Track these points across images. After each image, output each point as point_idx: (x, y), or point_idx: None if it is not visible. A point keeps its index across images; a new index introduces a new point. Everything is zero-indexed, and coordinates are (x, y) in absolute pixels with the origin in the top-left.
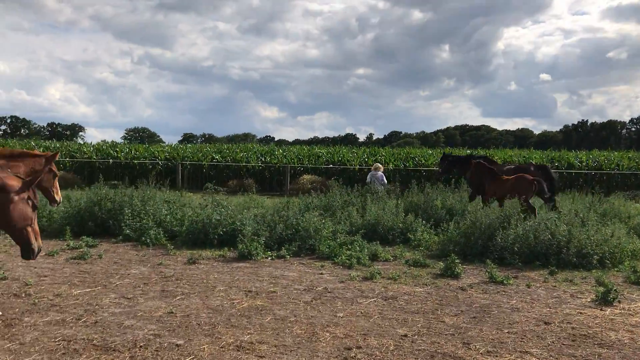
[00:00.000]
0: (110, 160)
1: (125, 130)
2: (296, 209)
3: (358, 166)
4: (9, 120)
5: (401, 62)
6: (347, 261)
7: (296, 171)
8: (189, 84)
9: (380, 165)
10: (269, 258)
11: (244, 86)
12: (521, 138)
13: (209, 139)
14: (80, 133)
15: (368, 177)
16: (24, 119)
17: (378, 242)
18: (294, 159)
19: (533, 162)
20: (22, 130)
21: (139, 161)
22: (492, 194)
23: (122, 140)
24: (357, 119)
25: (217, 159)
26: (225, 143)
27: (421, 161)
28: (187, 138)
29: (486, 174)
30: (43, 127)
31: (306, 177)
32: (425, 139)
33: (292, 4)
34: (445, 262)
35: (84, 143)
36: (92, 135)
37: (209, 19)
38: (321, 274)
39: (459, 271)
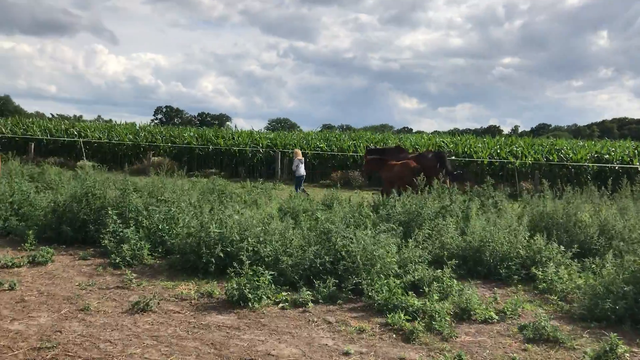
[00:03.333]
0: (210, 147)
1: (269, 120)
2: (356, 219)
3: (487, 158)
4: (164, 110)
5: (552, 51)
6: (407, 324)
7: None
8: (330, 76)
9: (298, 151)
10: (280, 306)
11: (383, 77)
12: None
13: (346, 129)
14: (228, 123)
15: (295, 163)
16: (177, 108)
17: (480, 279)
18: (410, 148)
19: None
20: (175, 120)
21: (238, 148)
22: (388, 183)
23: (265, 131)
24: (502, 111)
25: (321, 147)
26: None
27: (568, 155)
28: (326, 129)
29: (376, 162)
30: (194, 116)
31: None
32: (578, 133)
33: None
34: (598, 336)
35: (185, 127)
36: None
37: (351, 11)
38: (347, 353)
39: None
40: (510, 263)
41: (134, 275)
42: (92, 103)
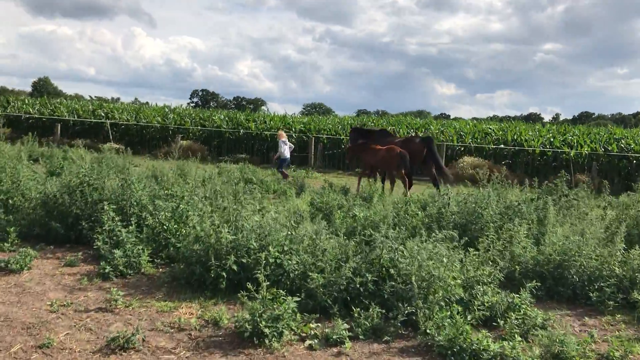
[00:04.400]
0: (241, 131)
1: (303, 105)
2: (409, 222)
3: (540, 148)
4: (200, 93)
5: (596, 37)
6: None
7: (455, 151)
8: (366, 61)
9: (283, 133)
10: (307, 343)
11: (421, 62)
12: None
13: (382, 115)
14: (262, 107)
15: (283, 147)
16: (213, 92)
17: (563, 302)
18: (454, 135)
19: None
20: (211, 103)
21: (270, 132)
22: (369, 166)
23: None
24: (543, 98)
25: None
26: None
27: (629, 145)
28: (361, 114)
29: (361, 146)
30: (229, 100)
31: (467, 159)
32: (622, 121)
33: None
34: None
35: (215, 109)
36: (273, 109)
37: None
38: None
39: None
40: (602, 284)
41: (124, 292)
42: (130, 86)
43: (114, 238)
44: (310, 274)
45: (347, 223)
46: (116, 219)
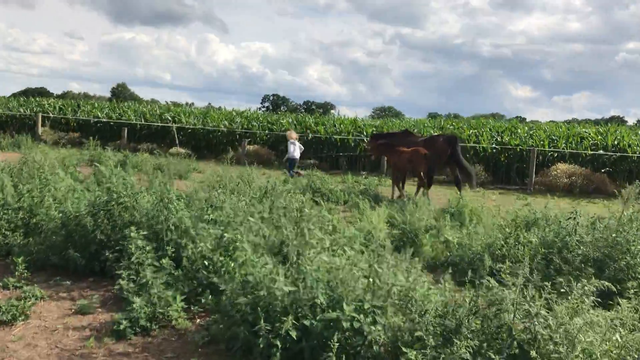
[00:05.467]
0: (310, 135)
1: (373, 109)
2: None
3: None
4: (271, 98)
5: None
6: None
7: (547, 157)
8: (437, 63)
9: (294, 133)
10: None
11: (494, 64)
12: None
13: (454, 118)
14: (332, 111)
15: (293, 147)
16: (283, 97)
17: None
18: (545, 140)
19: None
20: (282, 107)
21: (340, 137)
22: (396, 168)
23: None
24: (626, 100)
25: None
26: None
27: None
28: (432, 117)
29: (385, 147)
30: (299, 104)
31: (561, 166)
32: None
33: None
34: None
35: (283, 113)
36: (342, 113)
37: None
38: None
39: None
40: None
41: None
42: (204, 91)
43: (140, 274)
44: (403, 348)
45: (438, 250)
46: (147, 248)
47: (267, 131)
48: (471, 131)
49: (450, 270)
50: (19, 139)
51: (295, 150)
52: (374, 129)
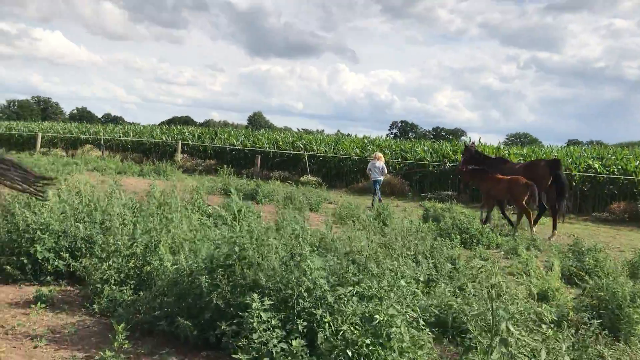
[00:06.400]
0: (447, 164)
1: (507, 135)
2: None
3: None
4: (399, 125)
5: None
6: None
7: None
8: (577, 87)
9: (381, 155)
10: None
11: None
12: None
13: (597, 145)
14: (462, 137)
15: (368, 166)
16: (412, 123)
17: None
18: None
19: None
20: (410, 134)
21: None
22: (488, 196)
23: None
24: None
25: (596, 167)
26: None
27: None
28: (572, 144)
29: (478, 173)
30: (428, 131)
31: None
32: None
33: None
34: None
35: (417, 140)
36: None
37: (603, 17)
38: None
39: None
40: None
41: None
42: (333, 118)
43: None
44: None
45: None
46: (272, 322)
47: (399, 159)
48: (638, 162)
49: None
50: (159, 166)
51: (377, 172)
52: (521, 158)
